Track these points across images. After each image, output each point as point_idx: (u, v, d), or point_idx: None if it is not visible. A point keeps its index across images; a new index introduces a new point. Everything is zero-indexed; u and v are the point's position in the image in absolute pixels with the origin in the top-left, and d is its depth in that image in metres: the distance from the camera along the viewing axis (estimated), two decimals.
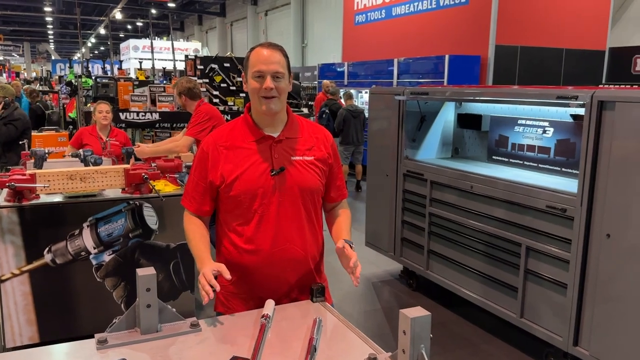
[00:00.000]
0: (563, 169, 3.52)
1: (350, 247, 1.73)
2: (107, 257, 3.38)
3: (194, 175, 1.87)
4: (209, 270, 1.64)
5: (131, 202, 3.38)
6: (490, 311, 3.56)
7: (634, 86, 6.70)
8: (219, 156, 1.81)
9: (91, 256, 3.34)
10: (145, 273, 1.52)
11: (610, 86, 7.43)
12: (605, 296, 2.81)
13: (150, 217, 3.45)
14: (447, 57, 7.74)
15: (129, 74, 15.70)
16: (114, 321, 1.56)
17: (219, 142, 1.83)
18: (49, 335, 3.28)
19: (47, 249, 3.24)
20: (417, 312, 1.28)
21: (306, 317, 1.71)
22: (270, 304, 1.71)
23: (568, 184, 3.20)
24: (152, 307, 1.53)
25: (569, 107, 3.07)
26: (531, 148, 3.76)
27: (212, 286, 1.58)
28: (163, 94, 6.23)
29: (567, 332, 3.01)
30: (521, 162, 3.83)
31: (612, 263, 2.76)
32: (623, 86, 6.76)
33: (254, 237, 1.80)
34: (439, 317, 3.88)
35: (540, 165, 3.68)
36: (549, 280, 3.14)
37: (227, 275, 1.64)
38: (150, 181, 3.37)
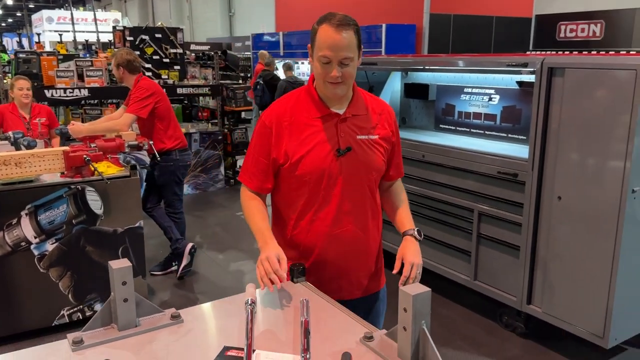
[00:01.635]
0: (509, 135, 3.63)
1: (417, 238, 1.77)
2: (49, 247, 3.16)
3: (254, 150, 1.76)
4: (274, 255, 1.57)
5: (72, 186, 3.16)
6: (445, 276, 3.66)
7: (559, 52, 7.00)
8: (282, 132, 1.70)
9: (32, 246, 3.11)
10: (120, 265, 1.40)
11: (536, 53, 7.72)
12: (556, 256, 2.95)
13: (94, 201, 3.25)
14: (384, 26, 7.76)
15: (46, 48, 14.63)
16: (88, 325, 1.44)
17: (282, 116, 1.72)
18: None
19: None
20: (417, 288, 1.26)
21: (291, 299, 1.65)
22: (251, 287, 1.63)
23: (515, 150, 3.31)
24: (129, 301, 1.41)
25: (520, 74, 3.14)
26: (477, 116, 3.84)
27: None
28: (91, 68, 5.82)
29: (520, 292, 3.15)
30: (468, 129, 3.91)
31: (563, 224, 2.88)
32: (548, 52, 7.05)
33: (316, 218, 1.74)
34: (395, 284, 3.94)
35: (486, 132, 3.77)
36: (501, 243, 3.26)
37: (283, 272, 1.57)
38: (93, 163, 3.16)
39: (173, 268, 4.24)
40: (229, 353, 1.33)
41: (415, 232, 1.78)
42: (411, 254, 1.72)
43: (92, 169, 3.17)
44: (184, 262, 4.14)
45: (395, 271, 1.70)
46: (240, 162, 7.54)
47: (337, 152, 1.70)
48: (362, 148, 1.73)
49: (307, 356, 1.27)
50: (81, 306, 3.31)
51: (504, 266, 3.27)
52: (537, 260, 3.06)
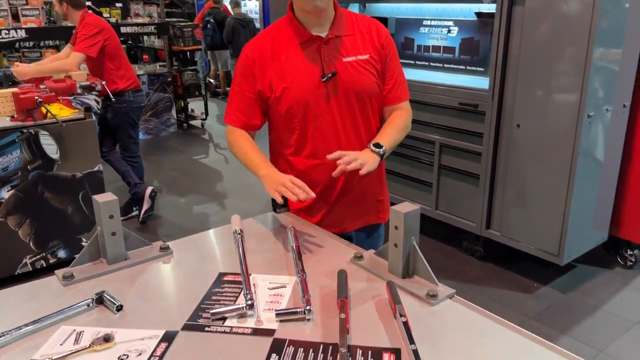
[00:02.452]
0: (468, 67, 3.68)
1: (373, 150, 1.59)
2: (5, 194, 3.02)
3: (238, 87, 1.67)
4: (288, 179, 1.51)
5: (25, 130, 3.00)
6: None
7: None
8: (265, 63, 1.62)
9: None
10: (106, 199, 1.37)
11: None
12: (514, 182, 3.08)
13: (49, 145, 3.11)
14: None
15: None
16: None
17: (264, 48, 1.63)
18: None
19: None
20: (407, 207, 1.30)
21: (277, 228, 1.67)
22: (236, 218, 1.64)
23: (474, 81, 3.37)
24: (117, 235, 1.39)
25: (481, 2, 3.16)
26: (436, 49, 3.86)
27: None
28: (26, 7, 5.41)
29: (479, 218, 3.30)
30: (427, 63, 3.94)
31: (521, 151, 3.01)
32: None
33: (310, 152, 1.68)
34: None
35: (445, 65, 3.81)
36: (462, 173, 3.37)
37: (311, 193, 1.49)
38: (45, 105, 3.00)
39: (134, 213, 4.17)
40: (226, 278, 1.34)
41: (372, 146, 1.60)
42: (359, 153, 1.56)
43: (45, 111, 3.01)
44: (145, 207, 4.07)
45: (329, 157, 1.54)
46: (191, 105, 7.34)
47: (321, 78, 1.61)
48: (348, 71, 1.62)
49: (304, 276, 1.30)
50: (44, 254, 3.22)
51: (464, 195, 3.40)
52: (495, 187, 3.20)
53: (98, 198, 1.37)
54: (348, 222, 1.80)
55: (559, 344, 2.65)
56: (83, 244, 3.26)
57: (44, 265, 3.22)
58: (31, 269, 3.18)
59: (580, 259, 3.18)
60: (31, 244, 3.17)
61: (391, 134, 1.68)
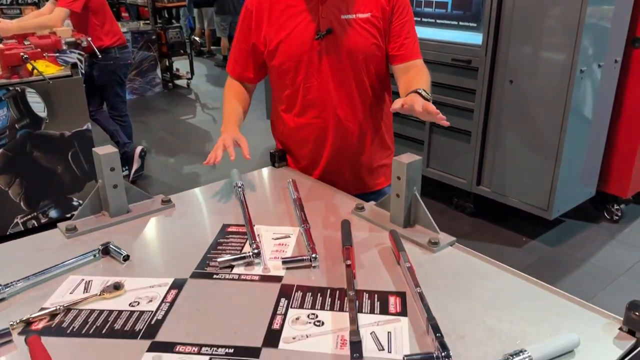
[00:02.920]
0: (460, 23, 3.64)
1: (423, 95, 1.42)
2: None
3: (237, 36, 1.67)
4: (230, 137, 1.54)
5: (11, 88, 2.93)
6: None
7: None
8: (262, 15, 1.58)
9: None
10: (107, 151, 1.36)
11: None
12: (506, 138, 3.11)
13: (36, 103, 3.05)
14: None
15: None
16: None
17: (262, 0, 1.58)
18: None
19: None
20: (409, 158, 1.31)
21: (276, 181, 1.68)
22: (236, 172, 1.64)
23: (466, 37, 3.34)
24: (118, 187, 1.39)
25: None
26: (429, 4, 3.80)
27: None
28: None
29: (470, 175, 3.34)
30: (419, 19, 3.88)
31: (514, 107, 3.02)
32: None
33: (300, 110, 1.65)
34: None
35: (438, 21, 3.76)
36: (453, 130, 3.38)
37: (246, 153, 1.51)
38: (31, 61, 2.92)
39: (124, 173, 4.12)
40: (230, 229, 1.35)
41: (422, 91, 1.44)
42: (415, 98, 1.37)
43: (31, 68, 2.94)
44: (135, 166, 4.04)
45: (394, 108, 1.37)
46: (176, 64, 7.20)
47: (315, 35, 1.54)
48: (345, 29, 1.54)
49: (307, 226, 1.32)
50: (35, 213, 3.20)
51: (455, 152, 3.42)
52: (487, 144, 3.23)
53: (98, 150, 1.35)
54: (341, 187, 1.66)
55: None
56: (74, 203, 3.24)
57: (36, 225, 3.20)
58: (23, 229, 3.16)
59: (568, 213, 3.25)
60: (22, 203, 3.14)
61: (426, 87, 1.51)
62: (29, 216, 3.19)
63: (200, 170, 4.36)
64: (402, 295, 1.08)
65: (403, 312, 1.03)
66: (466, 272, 1.18)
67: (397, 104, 1.34)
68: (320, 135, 1.66)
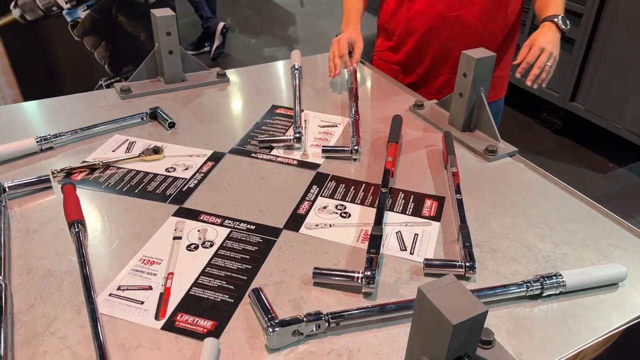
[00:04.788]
0: None
1: (559, 26, 1.33)
2: (81, 13, 3.05)
3: None
4: (346, 39, 1.41)
5: None
6: None
7: None
8: None
9: (64, 12, 3.00)
10: (164, 14, 1.32)
11: None
12: (612, 54, 2.76)
13: None
14: None
15: None
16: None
17: None
18: (31, 96, 3.13)
19: (13, 3, 2.88)
20: (481, 52, 1.17)
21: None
22: (296, 54, 1.56)
23: None
24: (174, 54, 1.37)
25: None
26: None
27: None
28: None
29: (565, 89, 3.04)
30: None
31: (630, 18, 2.64)
32: None
33: None
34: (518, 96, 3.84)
35: None
36: None
37: (355, 61, 1.42)
38: None
39: (206, 49, 4.15)
40: (279, 111, 1.31)
41: (560, 20, 1.33)
42: (544, 38, 1.30)
43: None
44: (216, 43, 4.04)
45: (517, 61, 1.31)
46: None
47: None
48: None
49: (357, 117, 1.25)
50: (118, 78, 3.32)
51: None
52: (590, 55, 2.88)
53: (156, 12, 1.32)
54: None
55: None
56: None
57: None
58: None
59: None
60: (106, 66, 3.26)
61: (561, 8, 1.37)
62: (113, 80, 3.32)
63: (280, 55, 4.29)
64: (440, 200, 1.02)
65: (437, 217, 0.97)
66: (520, 185, 1.08)
67: (520, 58, 1.29)
68: (436, 29, 1.42)
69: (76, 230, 0.87)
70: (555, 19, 1.33)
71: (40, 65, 3.09)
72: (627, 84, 2.72)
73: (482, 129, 1.24)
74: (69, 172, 1.03)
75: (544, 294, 0.81)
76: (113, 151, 1.11)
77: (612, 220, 0.99)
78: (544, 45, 1.28)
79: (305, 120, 1.27)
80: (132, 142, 1.15)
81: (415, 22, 1.43)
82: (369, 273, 0.80)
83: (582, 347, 0.75)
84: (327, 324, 0.74)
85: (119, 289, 0.79)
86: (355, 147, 1.13)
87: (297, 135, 1.15)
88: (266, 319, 0.73)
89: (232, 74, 1.47)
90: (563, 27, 1.34)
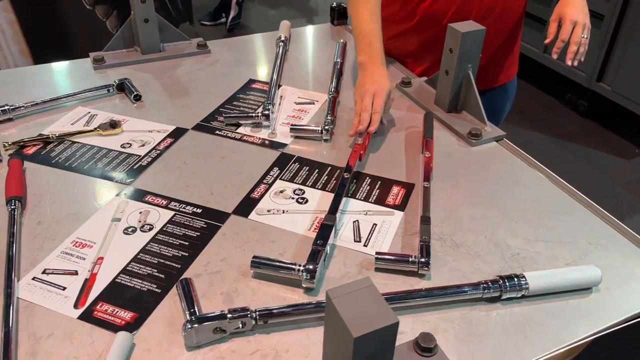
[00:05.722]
0: None
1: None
2: None
3: None
4: (384, 92, 1.03)
5: None
6: None
7: None
8: None
9: None
10: None
11: None
12: None
13: None
14: None
15: None
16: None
17: None
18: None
19: None
20: (469, 26, 1.06)
21: (327, 41, 1.50)
22: (284, 25, 1.48)
23: None
24: (150, 23, 1.30)
25: None
26: None
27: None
28: None
29: (592, 68, 2.86)
30: None
31: None
32: None
33: None
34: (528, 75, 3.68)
35: None
36: None
37: (372, 128, 1.01)
38: None
39: (222, 20, 4.08)
40: (255, 85, 1.24)
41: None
42: (573, 9, 1.19)
43: None
44: (232, 13, 3.96)
45: (548, 39, 1.21)
46: None
47: None
48: None
49: (336, 95, 1.16)
50: None
51: None
52: (620, 32, 2.69)
53: None
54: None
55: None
56: None
57: None
58: None
59: None
60: None
61: None
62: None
63: (297, 25, 4.17)
64: (409, 187, 0.94)
65: (401, 206, 0.89)
66: (501, 174, 0.99)
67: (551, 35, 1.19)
68: (459, 10, 1.23)
69: (12, 207, 0.83)
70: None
71: (52, 34, 3.08)
72: None
73: (469, 110, 1.14)
74: (22, 146, 0.99)
75: (504, 297, 0.73)
76: (72, 124, 1.07)
77: (597, 214, 0.89)
78: (575, 18, 1.18)
79: (281, 97, 1.20)
80: (94, 115, 1.10)
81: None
82: (310, 266, 0.73)
83: (536, 359, 0.67)
84: (253, 322, 0.68)
85: (44, 272, 0.75)
86: (327, 127, 1.05)
87: (266, 112, 1.08)
88: (187, 313, 0.67)
89: (215, 45, 1.40)
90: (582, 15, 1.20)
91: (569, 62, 1.19)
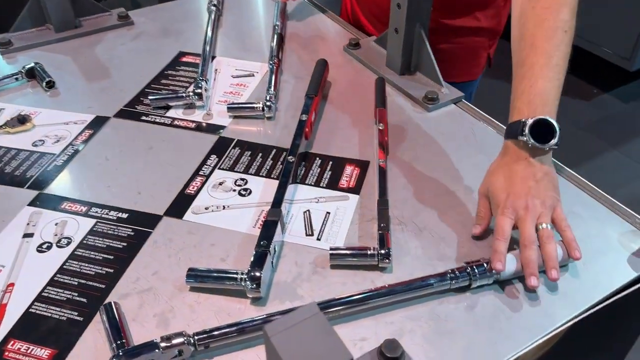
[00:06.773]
0: None
1: (533, 145, 0.68)
2: None
3: None
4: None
5: None
6: None
7: None
8: None
9: None
10: None
11: None
12: None
13: None
14: None
15: None
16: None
17: None
18: None
19: None
20: None
21: (269, 3, 1.37)
22: None
23: None
24: None
25: None
26: None
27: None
28: None
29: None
30: None
31: None
32: None
33: None
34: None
35: None
36: None
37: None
38: None
39: None
40: (185, 59, 1.11)
41: (527, 133, 0.67)
42: (515, 187, 0.68)
43: None
44: None
45: (494, 263, 0.64)
46: None
47: None
48: None
49: (277, 64, 1.05)
50: None
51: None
52: None
53: None
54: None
55: (604, 157, 2.41)
56: None
57: None
58: None
59: None
60: None
61: (554, 84, 0.77)
62: None
63: None
64: (363, 166, 0.84)
65: (356, 189, 0.80)
66: (462, 141, 0.90)
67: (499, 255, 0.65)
68: None
69: None
70: (521, 132, 0.68)
71: None
72: (611, 5, 2.48)
73: (424, 71, 1.04)
74: None
75: (473, 286, 0.66)
76: None
77: (570, 179, 0.82)
78: (523, 203, 0.67)
79: (216, 70, 1.07)
80: (1, 109, 0.96)
81: None
82: (254, 274, 0.64)
83: (515, 355, 0.60)
84: (192, 348, 0.58)
85: None
86: (268, 103, 0.94)
87: (198, 90, 0.96)
88: (114, 346, 0.57)
89: (138, 15, 1.25)
90: (541, 146, 0.68)
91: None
